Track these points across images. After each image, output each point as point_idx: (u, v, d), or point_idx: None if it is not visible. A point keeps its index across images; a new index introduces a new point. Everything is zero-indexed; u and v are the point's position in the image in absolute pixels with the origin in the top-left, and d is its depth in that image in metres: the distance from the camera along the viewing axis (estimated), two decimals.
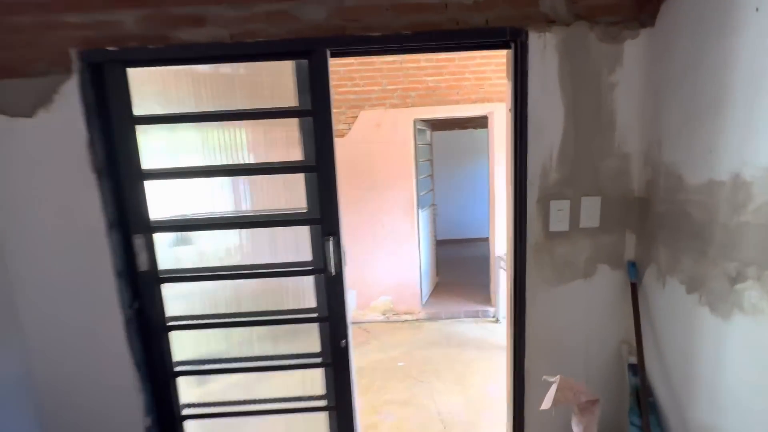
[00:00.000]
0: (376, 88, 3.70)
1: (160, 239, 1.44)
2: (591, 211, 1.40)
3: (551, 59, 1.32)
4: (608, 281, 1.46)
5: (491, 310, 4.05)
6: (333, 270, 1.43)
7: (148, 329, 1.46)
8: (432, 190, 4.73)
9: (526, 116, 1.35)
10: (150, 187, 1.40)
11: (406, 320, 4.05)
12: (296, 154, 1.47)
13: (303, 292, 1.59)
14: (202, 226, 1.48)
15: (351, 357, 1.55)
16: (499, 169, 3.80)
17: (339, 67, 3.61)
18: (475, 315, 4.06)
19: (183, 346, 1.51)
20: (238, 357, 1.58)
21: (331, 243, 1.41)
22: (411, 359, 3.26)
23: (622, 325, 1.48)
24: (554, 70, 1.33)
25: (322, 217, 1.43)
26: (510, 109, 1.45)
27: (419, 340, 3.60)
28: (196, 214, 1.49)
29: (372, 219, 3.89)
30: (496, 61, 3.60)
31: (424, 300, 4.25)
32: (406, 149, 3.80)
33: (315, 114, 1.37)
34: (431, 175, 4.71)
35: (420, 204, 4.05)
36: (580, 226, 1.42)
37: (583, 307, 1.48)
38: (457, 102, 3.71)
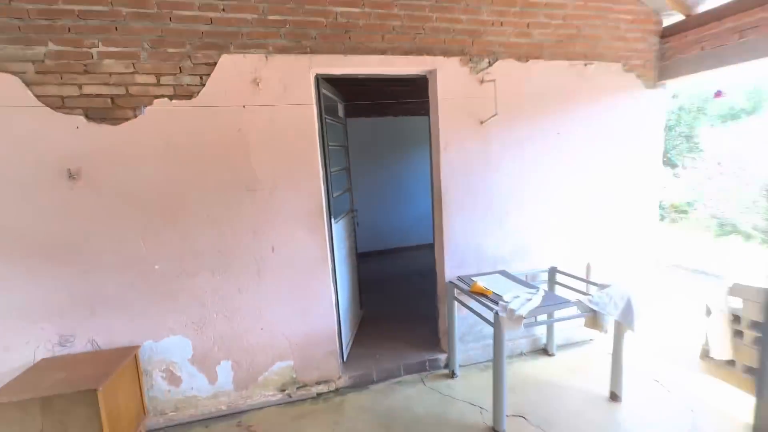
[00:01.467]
0: (249, 16, 2.16)
1: None
2: None
3: None
4: None
5: (442, 357, 2.84)
6: None
7: None
8: (350, 189, 3.35)
9: None
10: None
11: (319, 394, 2.58)
12: None
13: None
14: None
15: None
16: (447, 156, 2.61)
17: None
18: (420, 368, 2.81)
19: None
20: None
21: None
22: None
23: None
24: None
25: None
26: None
27: None
28: None
29: (254, 239, 2.34)
30: None
31: (346, 355, 2.84)
32: (305, 125, 2.35)
33: None
34: (348, 168, 3.33)
35: (333, 211, 2.64)
36: None
37: None
38: (383, 51, 2.40)
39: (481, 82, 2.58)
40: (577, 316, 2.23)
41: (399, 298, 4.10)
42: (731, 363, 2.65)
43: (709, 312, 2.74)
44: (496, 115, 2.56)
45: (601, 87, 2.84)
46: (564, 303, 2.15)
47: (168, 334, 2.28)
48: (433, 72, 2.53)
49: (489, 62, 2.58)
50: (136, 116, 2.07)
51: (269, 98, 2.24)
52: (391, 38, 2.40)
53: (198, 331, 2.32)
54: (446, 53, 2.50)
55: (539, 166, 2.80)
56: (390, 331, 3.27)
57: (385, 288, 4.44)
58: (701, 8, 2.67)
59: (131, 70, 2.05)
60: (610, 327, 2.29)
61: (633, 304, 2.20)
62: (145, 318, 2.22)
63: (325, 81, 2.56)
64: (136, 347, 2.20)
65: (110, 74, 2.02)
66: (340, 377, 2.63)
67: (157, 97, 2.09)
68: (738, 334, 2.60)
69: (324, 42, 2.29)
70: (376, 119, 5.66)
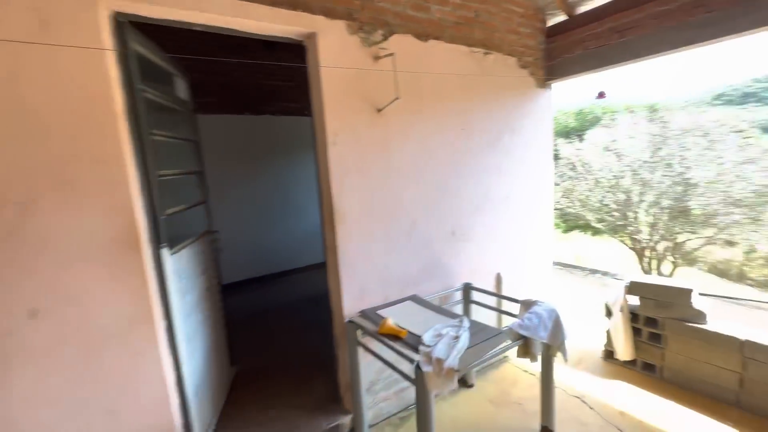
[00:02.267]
0: None
1: None
2: None
3: None
4: None
5: (346, 420, 2.13)
6: None
7: None
8: (204, 202, 2.38)
9: None
10: None
11: None
12: None
13: None
14: None
15: None
16: (337, 151, 1.94)
17: None
18: None
19: None
20: None
21: None
22: None
23: None
24: None
25: None
26: None
27: None
28: None
29: (7, 297, 1.24)
30: None
31: None
32: (93, 91, 1.37)
33: None
34: (200, 173, 2.36)
35: (166, 237, 1.67)
36: None
37: None
38: None
39: (376, 58, 2.02)
40: (509, 347, 1.81)
41: (286, 338, 3.23)
42: (631, 362, 2.65)
43: (609, 313, 2.71)
44: (398, 99, 2.02)
45: (500, 81, 2.60)
46: (496, 335, 1.69)
47: None
48: (312, 36, 1.85)
49: (383, 35, 2.04)
50: None
51: (5, 34, 1.21)
52: None
53: None
54: (329, 14, 1.86)
55: (446, 165, 2.39)
56: (274, 392, 2.40)
57: (267, 326, 3.50)
58: (583, 8, 2.68)
59: None
60: (539, 352, 1.94)
61: (561, 322, 1.89)
62: None
63: (141, 34, 1.61)
64: None
65: None
66: None
67: None
68: (636, 332, 2.62)
69: None
70: (251, 117, 4.67)
